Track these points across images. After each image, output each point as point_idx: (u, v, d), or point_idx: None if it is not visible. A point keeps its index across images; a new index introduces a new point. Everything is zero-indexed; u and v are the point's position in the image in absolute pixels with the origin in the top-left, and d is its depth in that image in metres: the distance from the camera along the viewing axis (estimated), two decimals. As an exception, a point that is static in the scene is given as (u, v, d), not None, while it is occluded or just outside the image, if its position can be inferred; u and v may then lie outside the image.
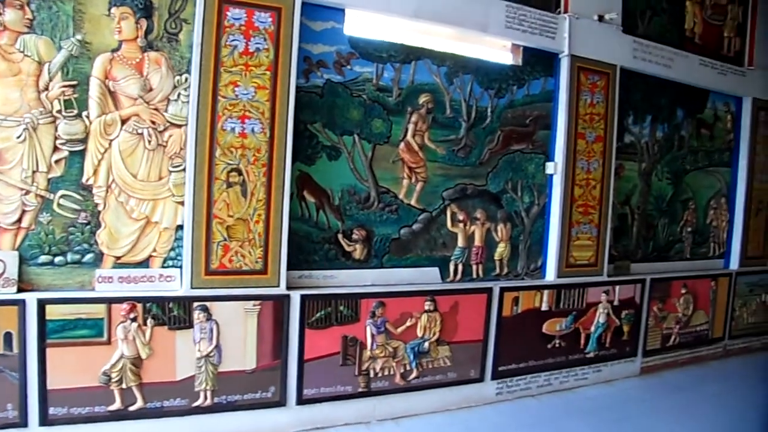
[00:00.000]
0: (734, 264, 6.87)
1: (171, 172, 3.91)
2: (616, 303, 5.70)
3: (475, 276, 5.06)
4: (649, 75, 5.86)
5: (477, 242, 5.03)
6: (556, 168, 5.24)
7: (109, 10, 3.68)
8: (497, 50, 4.99)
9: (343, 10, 4.33)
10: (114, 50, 3.71)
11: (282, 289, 4.12)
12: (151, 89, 3.82)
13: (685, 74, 6.08)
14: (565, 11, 5.16)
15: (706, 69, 6.24)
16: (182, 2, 3.86)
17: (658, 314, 6.11)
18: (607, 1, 5.39)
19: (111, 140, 3.74)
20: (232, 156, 3.92)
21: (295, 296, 4.17)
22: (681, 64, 5.99)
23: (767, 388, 5.89)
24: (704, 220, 6.74)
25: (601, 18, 5.30)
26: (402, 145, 4.65)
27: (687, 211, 6.55)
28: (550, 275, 5.33)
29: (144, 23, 3.77)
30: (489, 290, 4.94)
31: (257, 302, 4.07)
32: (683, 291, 6.30)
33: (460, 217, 4.94)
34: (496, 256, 5.17)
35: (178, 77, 3.88)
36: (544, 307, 5.28)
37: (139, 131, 3.81)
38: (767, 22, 6.73)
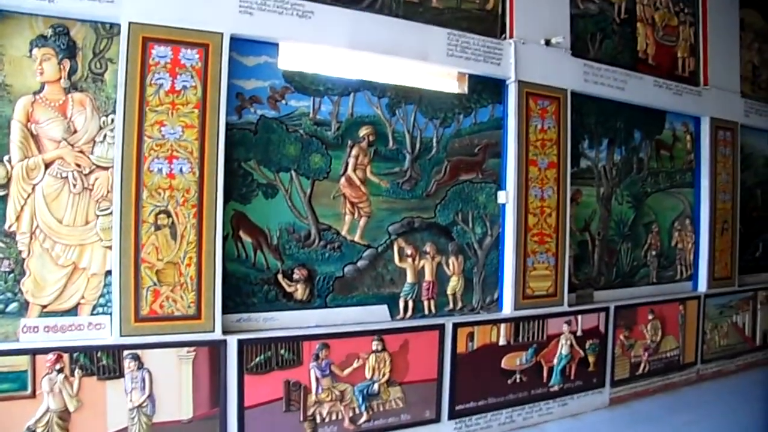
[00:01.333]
0: (702, 286, 6.73)
1: (98, 216, 3.75)
2: (579, 333, 5.52)
3: (427, 312, 4.87)
4: (603, 98, 5.78)
5: (427, 277, 4.85)
6: (508, 197, 5.09)
7: (31, 51, 3.56)
8: (442, 78, 4.88)
9: (276, 45, 4.22)
10: (36, 92, 3.59)
11: (217, 334, 3.94)
12: (75, 131, 3.69)
13: (640, 96, 6.00)
14: (511, 36, 5.07)
15: (662, 90, 6.17)
16: (107, 41, 3.75)
17: (624, 342, 5.95)
18: (554, 25, 5.29)
19: (34, 185, 3.59)
20: (160, 198, 3.78)
21: (232, 341, 3.99)
22: (635, 85, 5.92)
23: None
24: (669, 242, 6.61)
25: (548, 42, 5.21)
26: (343, 179, 4.51)
27: (650, 235, 6.42)
28: (507, 308, 5.14)
29: (67, 64, 3.65)
30: (441, 326, 4.76)
31: (191, 348, 3.89)
32: (650, 317, 6.14)
33: (408, 252, 4.76)
34: (449, 291, 4.98)
35: (104, 118, 3.74)
36: (502, 342, 5.08)
37: (64, 175, 3.66)
38: (719, 42, 6.69)
